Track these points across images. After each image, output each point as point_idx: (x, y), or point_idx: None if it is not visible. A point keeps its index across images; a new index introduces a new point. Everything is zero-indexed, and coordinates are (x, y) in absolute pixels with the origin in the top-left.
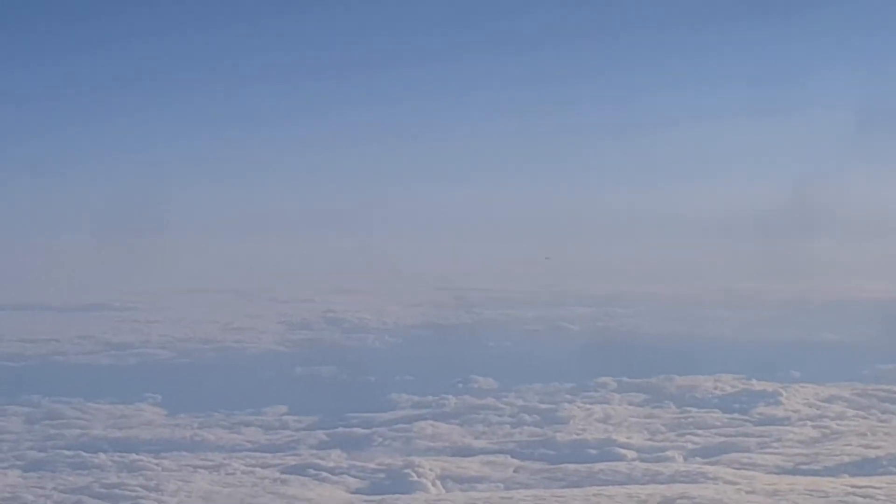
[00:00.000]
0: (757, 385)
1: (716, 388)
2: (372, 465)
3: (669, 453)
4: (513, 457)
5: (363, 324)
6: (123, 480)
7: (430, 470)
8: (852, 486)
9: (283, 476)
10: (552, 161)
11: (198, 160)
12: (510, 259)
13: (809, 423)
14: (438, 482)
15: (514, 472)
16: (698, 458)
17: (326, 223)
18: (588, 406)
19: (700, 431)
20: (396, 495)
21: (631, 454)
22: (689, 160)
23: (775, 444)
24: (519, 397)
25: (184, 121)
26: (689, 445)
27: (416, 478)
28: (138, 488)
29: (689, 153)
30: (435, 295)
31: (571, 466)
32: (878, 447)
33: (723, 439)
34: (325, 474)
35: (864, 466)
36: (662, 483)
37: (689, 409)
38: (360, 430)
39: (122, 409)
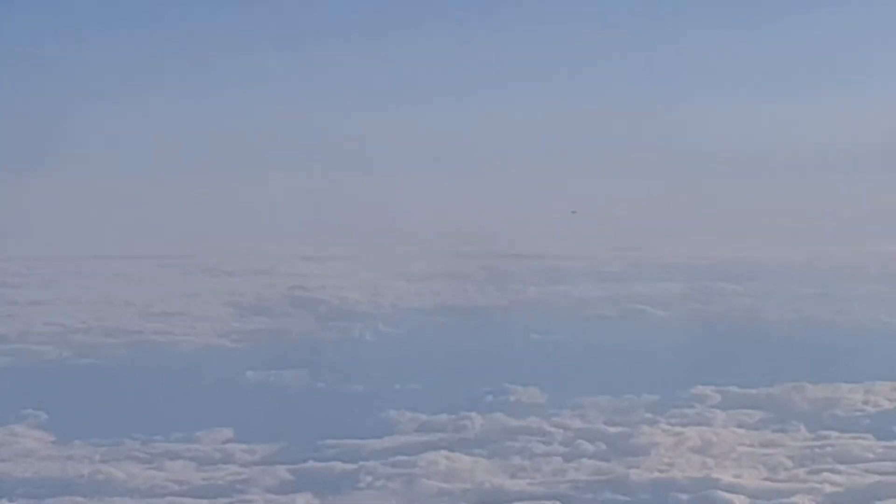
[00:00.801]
0: None
1: (867, 401)
2: None
3: (797, 499)
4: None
5: (347, 306)
6: None
7: None
8: None
9: None
10: (616, 70)
11: (103, 77)
12: (561, 211)
13: None
14: None
15: None
16: None
17: (290, 159)
18: (678, 429)
19: (842, 467)
20: None
21: (740, 500)
22: (819, 68)
23: None
24: (576, 416)
25: (80, 27)
26: (828, 488)
27: None
28: None
29: (817, 59)
30: (453, 263)
31: None
32: None
33: (877, 478)
34: None
35: None
36: None
37: (827, 432)
38: (340, 466)
39: None
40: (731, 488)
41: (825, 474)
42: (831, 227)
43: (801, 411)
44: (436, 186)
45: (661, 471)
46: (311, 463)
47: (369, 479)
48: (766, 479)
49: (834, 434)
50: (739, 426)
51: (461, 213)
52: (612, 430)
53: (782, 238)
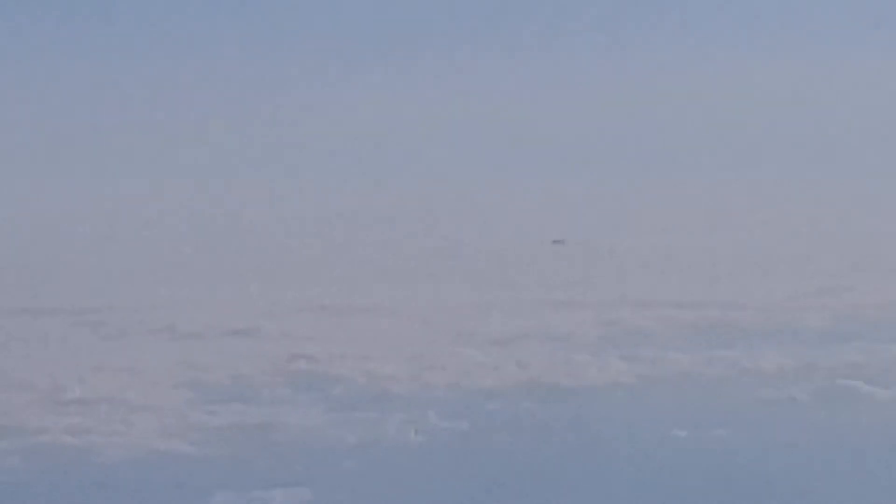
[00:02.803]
0: None
1: None
2: None
3: None
4: None
5: (379, 387)
6: None
7: None
8: None
9: None
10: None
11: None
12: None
13: None
14: None
15: None
16: None
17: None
18: None
19: None
20: None
21: None
22: None
23: None
24: None
25: None
26: None
27: None
28: None
29: None
30: (551, 317)
31: None
32: None
33: None
34: None
35: None
36: None
37: None
38: None
39: None
40: None
41: None
42: None
43: None
44: (523, 191)
45: None
46: None
47: None
48: None
49: None
50: None
51: (563, 229)
52: None
53: None
